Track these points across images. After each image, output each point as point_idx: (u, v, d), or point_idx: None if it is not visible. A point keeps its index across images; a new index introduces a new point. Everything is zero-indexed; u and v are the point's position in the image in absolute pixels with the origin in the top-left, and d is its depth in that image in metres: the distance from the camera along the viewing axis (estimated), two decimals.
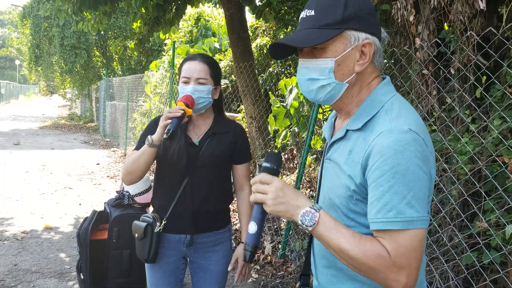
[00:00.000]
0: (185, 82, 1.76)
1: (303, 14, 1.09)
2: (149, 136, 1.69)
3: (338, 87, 1.07)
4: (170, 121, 1.61)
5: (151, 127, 1.80)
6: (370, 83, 1.10)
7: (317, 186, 1.24)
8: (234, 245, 1.93)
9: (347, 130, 1.08)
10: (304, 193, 4.74)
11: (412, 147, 0.94)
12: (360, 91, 1.09)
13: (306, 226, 0.99)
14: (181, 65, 1.82)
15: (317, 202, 1.20)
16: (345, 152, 1.06)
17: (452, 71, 2.53)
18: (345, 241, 0.95)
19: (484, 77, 2.30)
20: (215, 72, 1.81)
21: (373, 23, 1.07)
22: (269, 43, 7.49)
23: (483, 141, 2.28)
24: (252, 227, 1.05)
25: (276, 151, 5.31)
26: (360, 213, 1.04)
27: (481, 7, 2.24)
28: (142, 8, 4.94)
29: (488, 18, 2.50)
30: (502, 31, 2.23)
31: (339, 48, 1.04)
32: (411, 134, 0.95)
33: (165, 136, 1.59)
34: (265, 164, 1.09)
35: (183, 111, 1.64)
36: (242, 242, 1.90)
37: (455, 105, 2.52)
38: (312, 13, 1.05)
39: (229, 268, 1.90)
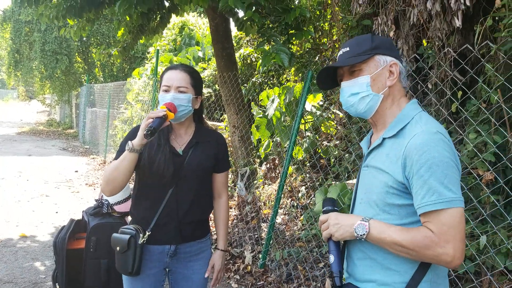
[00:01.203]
0: (166, 91, 1.76)
1: (340, 52, 1.38)
2: (129, 142, 1.66)
3: (375, 98, 1.32)
4: (151, 120, 1.60)
5: (131, 135, 1.77)
6: (399, 100, 1.35)
7: (354, 191, 1.46)
8: (207, 275, 1.94)
9: (383, 138, 1.31)
10: (285, 202, 4.75)
11: (441, 143, 1.17)
12: (392, 105, 1.34)
13: (360, 235, 1.24)
14: (163, 74, 1.82)
15: (353, 205, 1.43)
16: (383, 156, 1.29)
17: (430, 86, 2.60)
18: (396, 235, 1.18)
19: (460, 92, 2.37)
20: (196, 82, 1.81)
21: (395, 52, 1.36)
22: (253, 53, 7.56)
23: (458, 154, 2.35)
24: (331, 258, 1.33)
25: (258, 161, 5.33)
26: (394, 204, 1.24)
27: (457, 25, 2.33)
28: (127, 16, 4.92)
29: (465, 35, 2.60)
30: (478, 48, 2.31)
31: (372, 68, 1.32)
32: (439, 135, 1.18)
33: (145, 132, 1.57)
34: (323, 209, 1.41)
35: (165, 112, 1.63)
36: (218, 249, 1.94)
37: None
38: (348, 49, 1.35)
39: (206, 275, 1.91)
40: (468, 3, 2.25)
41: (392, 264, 1.25)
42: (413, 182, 1.18)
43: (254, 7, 3.40)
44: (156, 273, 1.83)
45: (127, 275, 1.78)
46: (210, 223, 3.26)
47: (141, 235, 1.74)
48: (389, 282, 1.25)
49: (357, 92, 1.33)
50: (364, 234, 1.23)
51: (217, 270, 1.92)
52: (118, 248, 1.72)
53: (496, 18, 2.35)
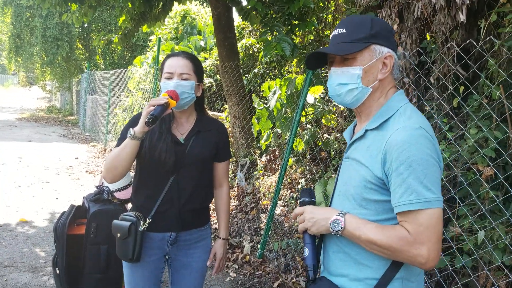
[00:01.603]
0: (168, 78, 1.75)
1: (335, 32, 1.30)
2: (131, 129, 1.66)
3: (364, 91, 1.27)
4: (153, 107, 1.60)
5: (132, 123, 1.76)
6: (387, 92, 1.30)
7: (335, 183, 1.42)
8: (213, 242, 1.95)
9: (366, 130, 1.27)
10: (284, 194, 4.77)
11: (423, 139, 1.13)
12: (380, 97, 1.29)
13: (336, 231, 1.22)
14: (164, 61, 1.81)
15: (332, 197, 1.39)
16: (364, 148, 1.25)
17: (432, 80, 2.60)
18: (372, 233, 1.15)
19: (462, 87, 2.37)
20: (198, 69, 1.81)
21: (392, 41, 1.29)
22: (255, 43, 7.53)
23: (459, 149, 2.36)
24: (306, 251, 1.32)
25: (258, 152, 5.34)
26: (371, 200, 1.21)
27: (461, 20, 2.32)
28: (129, 3, 4.88)
29: (469, 30, 2.59)
30: (482, 43, 2.30)
31: (366, 58, 1.25)
32: (421, 131, 1.14)
33: (146, 120, 1.56)
34: (299, 200, 1.38)
35: (166, 100, 1.63)
36: (220, 237, 1.96)
37: (433, 113, 2.59)
38: (344, 30, 1.27)
39: (208, 263, 1.93)
40: None
41: (365, 260, 1.22)
42: (392, 179, 1.14)
43: None
44: (156, 260, 1.85)
45: (128, 262, 1.79)
46: (211, 212, 3.28)
47: (141, 222, 1.75)
48: (361, 277, 1.23)
49: (346, 83, 1.27)
50: (339, 230, 1.21)
51: (218, 259, 1.94)
52: (118, 235, 1.74)
53: (501, 14, 2.34)
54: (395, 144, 1.13)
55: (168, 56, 1.81)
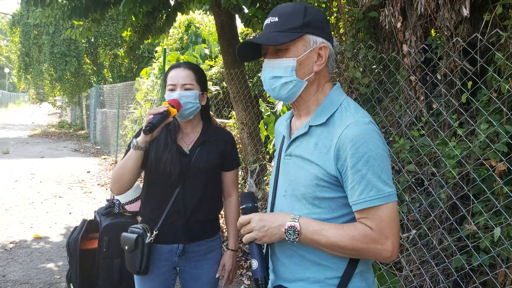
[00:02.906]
0: (171, 90, 1.76)
1: (267, 21, 1.23)
2: (134, 139, 1.68)
3: (299, 84, 1.20)
4: (152, 116, 1.61)
5: (138, 134, 1.77)
6: (324, 86, 1.25)
7: (273, 182, 1.32)
8: (217, 276, 1.92)
9: (310, 126, 1.21)
10: None
11: (376, 134, 1.12)
12: (317, 91, 1.24)
13: (292, 239, 1.14)
14: (166, 73, 1.82)
15: (274, 197, 1.30)
16: (310, 145, 1.19)
17: (439, 77, 2.56)
18: (332, 235, 1.11)
19: (470, 82, 2.33)
20: (200, 78, 1.81)
21: (327, 31, 1.23)
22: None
23: (470, 145, 2.31)
24: (254, 263, 1.21)
25: (268, 158, 5.32)
26: (324, 198, 1.16)
27: (465, 14, 2.29)
28: (132, 16, 4.93)
29: (474, 24, 2.55)
30: (488, 36, 2.27)
31: (300, 49, 1.18)
32: (372, 126, 1.13)
33: (144, 128, 1.57)
34: (241, 207, 1.25)
35: (166, 108, 1.63)
36: (229, 249, 1.93)
37: (442, 109, 2.55)
38: (276, 19, 1.19)
39: (217, 275, 1.90)
40: None
41: (324, 260, 1.18)
42: (348, 176, 1.10)
43: (258, 4, 3.38)
44: (165, 272, 1.84)
45: (136, 274, 1.80)
46: (221, 221, 3.26)
47: (148, 234, 1.75)
48: (321, 278, 1.18)
49: (280, 76, 1.19)
50: (296, 237, 1.13)
51: (228, 270, 1.91)
52: (126, 247, 1.75)
53: (506, 6, 2.30)
54: (350, 140, 1.10)
55: (170, 68, 1.82)
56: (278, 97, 1.24)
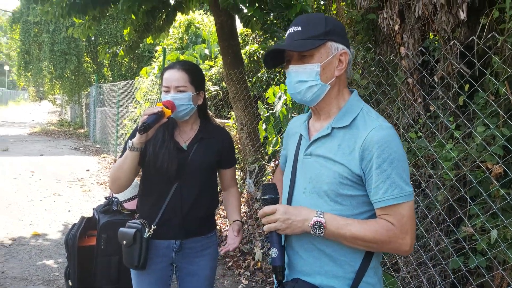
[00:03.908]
0: (166, 91, 1.78)
1: (290, 30, 1.31)
2: (129, 140, 1.70)
3: (323, 88, 1.29)
4: (146, 116, 1.63)
5: (133, 135, 1.79)
6: (343, 91, 1.34)
7: (289, 180, 1.38)
8: (220, 249, 1.91)
9: (333, 128, 1.29)
10: None
11: (397, 138, 1.22)
12: (337, 95, 1.33)
13: (318, 233, 1.20)
14: (161, 74, 1.84)
15: (292, 195, 1.35)
16: (333, 146, 1.27)
17: (436, 79, 2.58)
18: (356, 229, 1.18)
19: (467, 85, 2.35)
20: (195, 79, 1.81)
21: (346, 38, 1.33)
22: (259, 50, 7.56)
23: (467, 147, 2.33)
24: (274, 252, 1.27)
25: (267, 158, 5.34)
26: (346, 195, 1.23)
27: (462, 17, 2.30)
28: (132, 15, 4.94)
29: (471, 27, 2.57)
30: (484, 40, 2.28)
31: (323, 55, 1.27)
32: (394, 130, 1.24)
33: (138, 127, 1.59)
34: (264, 197, 1.30)
35: (160, 109, 1.65)
36: (238, 220, 1.91)
37: (439, 112, 2.57)
38: (299, 28, 1.28)
39: (222, 253, 1.87)
40: None
41: (342, 256, 1.25)
42: (373, 175, 1.19)
43: (256, 4, 3.40)
44: (162, 268, 1.86)
45: (134, 269, 1.82)
46: (220, 221, 3.29)
47: (146, 229, 1.77)
48: (338, 273, 1.25)
49: (305, 80, 1.28)
50: (321, 232, 1.20)
51: (238, 236, 1.84)
52: (124, 242, 1.76)
53: (503, 10, 2.32)
54: (376, 142, 1.19)
55: (164, 69, 1.83)
56: (303, 100, 1.32)
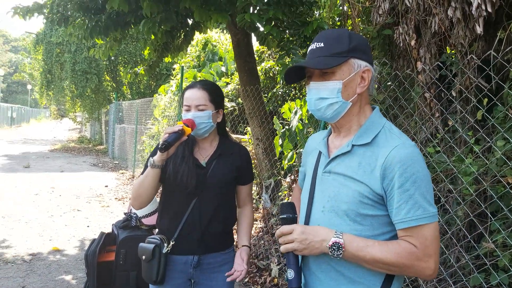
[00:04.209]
0: (187, 110, 1.83)
1: (313, 46, 1.29)
2: (151, 158, 1.76)
3: (344, 105, 1.26)
4: (167, 135, 1.69)
5: (154, 152, 1.85)
6: (364, 107, 1.31)
7: (307, 197, 1.35)
8: (227, 276, 1.85)
9: (353, 145, 1.25)
10: None
11: (421, 157, 1.18)
12: (359, 112, 1.30)
13: (337, 255, 1.16)
14: (182, 93, 1.90)
15: (310, 213, 1.31)
16: (353, 164, 1.23)
17: (454, 94, 2.57)
18: (376, 252, 1.13)
19: (486, 99, 2.33)
20: (214, 98, 1.87)
21: (370, 55, 1.30)
22: (275, 66, 7.63)
23: (487, 161, 2.30)
24: (290, 274, 1.23)
25: (282, 173, 5.34)
26: (367, 215, 1.19)
27: (479, 32, 2.30)
28: (151, 35, 5.08)
29: (488, 41, 2.56)
30: (502, 54, 2.27)
31: (345, 72, 1.24)
32: (417, 149, 1.19)
33: (160, 146, 1.65)
34: (282, 216, 1.27)
35: (181, 128, 1.71)
36: (245, 245, 1.90)
37: (458, 126, 2.54)
38: (322, 45, 1.25)
39: (228, 280, 1.81)
40: (489, 9, 2.22)
41: (360, 277, 1.20)
42: (395, 195, 1.14)
43: (273, 22, 3.45)
44: (180, 283, 1.87)
45: (152, 284, 1.84)
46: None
47: (165, 244, 1.79)
48: None
49: (326, 97, 1.25)
50: (340, 253, 1.15)
51: (246, 264, 1.83)
52: (143, 257, 1.79)
53: None
54: (398, 161, 1.14)
55: (186, 89, 1.90)
56: (323, 117, 1.30)
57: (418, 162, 1.15)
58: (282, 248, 1.23)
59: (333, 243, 1.15)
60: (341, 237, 1.16)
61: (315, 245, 1.18)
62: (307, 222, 1.32)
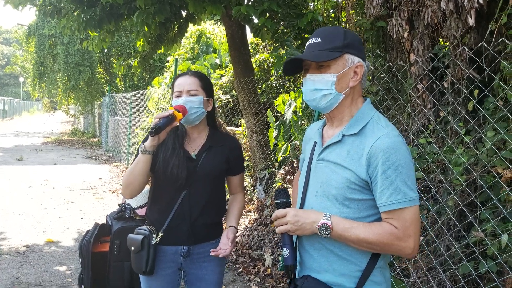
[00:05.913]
0: (178, 96, 1.83)
1: (310, 41, 1.39)
2: (142, 144, 1.74)
3: (337, 97, 1.37)
4: (158, 120, 1.68)
5: (146, 138, 1.82)
6: (357, 100, 1.41)
7: (303, 183, 1.47)
8: (211, 251, 1.86)
9: (343, 135, 1.36)
10: None
11: (404, 146, 1.28)
12: (351, 104, 1.40)
13: (325, 235, 1.28)
14: (173, 81, 1.89)
15: (305, 198, 1.45)
16: (343, 152, 1.34)
17: (446, 85, 2.59)
18: (360, 232, 1.25)
19: (477, 91, 2.36)
20: (206, 85, 1.88)
21: (363, 51, 1.40)
22: (269, 58, 7.62)
23: (477, 152, 2.33)
24: (286, 252, 1.37)
25: (277, 165, 5.36)
26: (354, 199, 1.31)
27: (471, 23, 2.32)
28: (145, 27, 5.05)
29: (480, 33, 2.58)
30: (493, 46, 2.30)
31: (340, 66, 1.35)
32: (401, 138, 1.29)
33: (150, 130, 1.64)
34: (276, 201, 1.41)
35: (172, 112, 1.70)
36: (233, 226, 1.91)
37: (449, 117, 2.57)
38: (319, 40, 1.36)
39: (212, 253, 1.82)
40: (481, 1, 2.24)
41: (349, 255, 1.32)
42: (378, 181, 1.25)
43: (267, 14, 3.45)
44: (171, 273, 1.89)
45: (142, 274, 1.85)
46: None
47: (154, 235, 1.80)
48: (346, 271, 1.32)
49: (321, 89, 1.36)
50: (328, 234, 1.28)
51: (231, 242, 1.82)
52: (132, 248, 1.80)
53: None
54: (381, 150, 1.25)
55: (176, 77, 1.90)
56: (317, 107, 1.41)
57: (400, 151, 1.25)
58: (278, 230, 1.36)
59: (322, 224, 1.28)
60: (329, 219, 1.28)
61: (306, 226, 1.31)
62: (302, 205, 1.44)
